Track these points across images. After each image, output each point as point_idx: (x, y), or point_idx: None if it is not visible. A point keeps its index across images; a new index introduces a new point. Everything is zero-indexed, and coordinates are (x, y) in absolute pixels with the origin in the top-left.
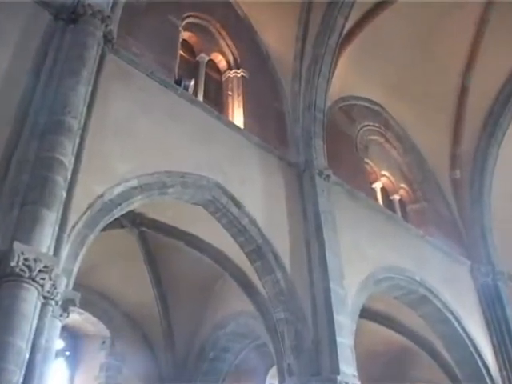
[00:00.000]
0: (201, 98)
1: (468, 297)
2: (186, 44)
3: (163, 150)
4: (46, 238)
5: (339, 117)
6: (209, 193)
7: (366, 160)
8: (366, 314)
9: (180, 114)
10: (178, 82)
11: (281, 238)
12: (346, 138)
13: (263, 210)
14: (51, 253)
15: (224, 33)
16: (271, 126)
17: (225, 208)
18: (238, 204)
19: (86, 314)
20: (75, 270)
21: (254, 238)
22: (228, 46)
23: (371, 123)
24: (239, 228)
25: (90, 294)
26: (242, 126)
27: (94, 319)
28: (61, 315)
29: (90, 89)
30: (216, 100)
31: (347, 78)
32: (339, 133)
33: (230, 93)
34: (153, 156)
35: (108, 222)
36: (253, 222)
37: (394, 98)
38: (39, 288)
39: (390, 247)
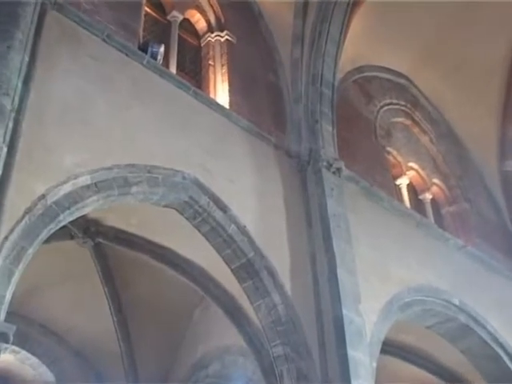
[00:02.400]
0: (173, 69)
1: None
2: None
3: (124, 137)
4: None
5: (353, 93)
6: (185, 192)
7: (388, 149)
8: (390, 348)
9: (146, 91)
10: (144, 49)
11: (278, 251)
12: (361, 120)
13: (255, 215)
14: None
15: None
16: (265, 105)
17: (206, 212)
18: (222, 207)
19: (23, 353)
20: (8, 295)
21: (243, 251)
22: (208, 0)
23: (395, 101)
24: (224, 238)
25: (28, 327)
26: (227, 106)
27: (34, 360)
28: None
29: (26, 58)
30: (193, 72)
31: (363, 41)
32: (353, 114)
33: (211, 62)
34: (111, 145)
35: (53, 231)
36: (242, 229)
37: (424, 69)
38: None
39: (421, 262)
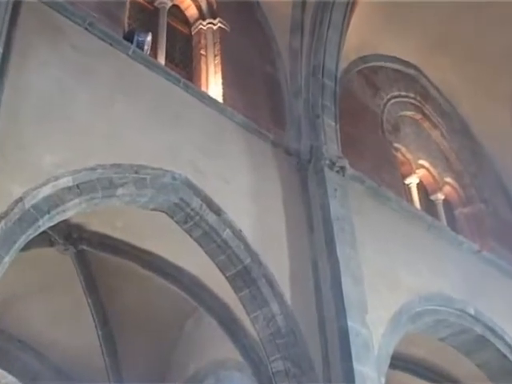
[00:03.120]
0: (162, 60)
1: None
2: None
3: (109, 134)
4: None
5: (358, 85)
6: (175, 194)
7: (395, 145)
8: (400, 362)
9: (132, 84)
10: (130, 38)
11: (277, 257)
12: (367, 114)
13: (252, 218)
14: None
15: None
16: (261, 99)
17: (198, 215)
18: (216, 209)
19: None
20: None
21: (239, 257)
22: None
23: (403, 93)
24: (218, 243)
25: (4, 342)
26: (220, 100)
27: (11, 378)
28: None
29: (0, 49)
30: (183, 63)
31: (369, 29)
32: (358, 107)
33: (202, 52)
34: (94, 143)
35: (31, 237)
36: (237, 234)
37: (435, 58)
38: None
39: (432, 268)
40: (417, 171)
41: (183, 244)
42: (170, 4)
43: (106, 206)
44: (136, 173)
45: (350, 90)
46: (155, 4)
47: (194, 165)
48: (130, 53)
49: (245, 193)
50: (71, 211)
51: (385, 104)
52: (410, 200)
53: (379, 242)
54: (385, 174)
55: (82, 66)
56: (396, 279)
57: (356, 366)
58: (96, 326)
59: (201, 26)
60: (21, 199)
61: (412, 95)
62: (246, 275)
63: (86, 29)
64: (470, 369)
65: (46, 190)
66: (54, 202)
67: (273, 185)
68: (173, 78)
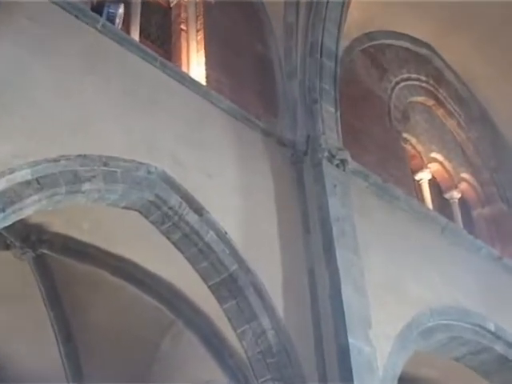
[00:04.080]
0: (136, 35)
1: None
2: None
3: (74, 120)
4: None
5: (362, 66)
6: (150, 190)
7: (405, 136)
8: None
9: (102, 63)
10: (99, 10)
11: (268, 263)
12: (372, 100)
13: (239, 218)
14: None
15: None
16: (251, 81)
17: (177, 215)
18: (198, 208)
19: None
20: None
21: (224, 264)
22: None
23: (414, 75)
24: (200, 247)
25: None
26: (203, 82)
27: None
28: None
29: None
30: (161, 39)
31: (375, 1)
32: (362, 92)
33: (183, 27)
34: (57, 131)
35: None
36: (222, 237)
37: (452, 36)
38: None
39: (446, 276)
40: (429, 166)
41: (160, 248)
42: None
43: (70, 203)
44: (105, 165)
45: (352, 71)
46: None
47: (173, 156)
48: (99, 27)
49: (231, 189)
50: (30, 209)
51: (393, 88)
52: (421, 199)
53: (385, 247)
54: (392, 168)
55: (44, 42)
56: (404, 289)
57: None
58: (58, 342)
59: None
60: None
61: (424, 78)
62: (232, 284)
63: None
64: None
65: (0, 185)
66: (10, 198)
67: (263, 180)
68: (148, 56)
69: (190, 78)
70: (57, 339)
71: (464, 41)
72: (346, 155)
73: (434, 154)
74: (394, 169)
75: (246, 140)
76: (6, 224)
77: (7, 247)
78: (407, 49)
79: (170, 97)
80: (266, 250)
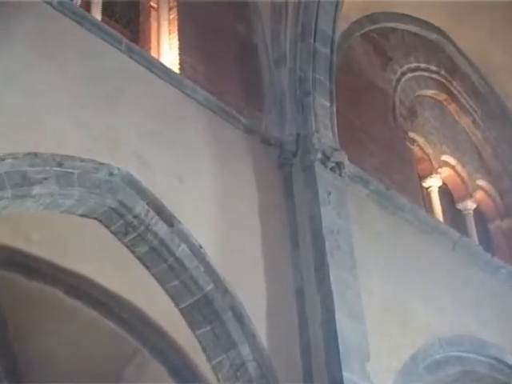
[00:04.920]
0: (97, 13)
1: None
2: None
3: (23, 112)
4: None
5: (363, 53)
6: (112, 196)
7: (411, 135)
8: None
9: (57, 45)
10: None
11: (250, 283)
12: (374, 93)
13: (216, 230)
14: None
15: None
16: (232, 69)
17: (143, 225)
18: (168, 217)
19: None
20: None
21: (197, 283)
22: None
23: (423, 65)
24: (170, 263)
25: None
26: (176, 69)
27: None
28: None
29: None
30: (127, 18)
31: None
32: (362, 83)
33: (153, 5)
34: (3, 125)
35: None
36: (196, 251)
37: (469, 20)
38: None
39: (458, 300)
40: (439, 170)
41: (123, 264)
42: None
43: (17, 209)
44: (59, 166)
45: (351, 59)
46: None
47: (139, 156)
48: (55, 3)
49: (207, 195)
50: None
51: (398, 80)
52: (430, 209)
53: (387, 265)
54: (396, 173)
55: None
56: (409, 315)
57: None
58: (0, 374)
59: None
60: None
61: (435, 68)
62: (207, 307)
63: None
64: None
65: None
66: None
67: (245, 185)
68: (112, 38)
69: (161, 64)
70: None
71: (482, 25)
72: (343, 157)
73: (445, 157)
74: (399, 174)
75: (225, 138)
76: None
77: None
78: (415, 34)
79: (137, 86)
80: (248, 268)
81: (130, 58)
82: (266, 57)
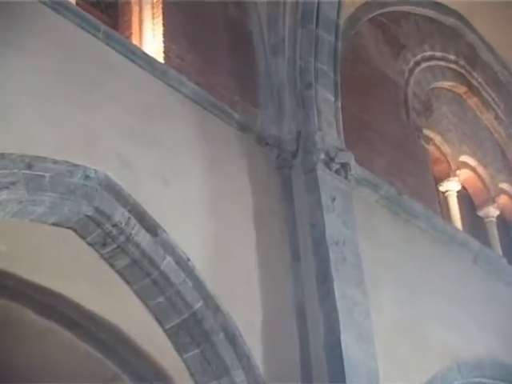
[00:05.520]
0: None
1: None
2: None
3: None
4: None
5: (371, 40)
6: (88, 202)
7: (426, 133)
8: None
9: (26, 33)
10: None
11: (244, 300)
12: (384, 85)
13: (206, 240)
14: None
15: None
16: (223, 59)
17: (123, 235)
18: (151, 226)
19: None
20: None
21: (185, 300)
22: None
23: (439, 53)
24: (154, 278)
25: None
26: (160, 59)
27: None
28: None
29: None
30: (105, 2)
31: None
32: (371, 74)
33: None
34: None
35: None
36: (184, 264)
37: (488, 2)
38: None
39: (479, 319)
40: (458, 173)
41: (101, 279)
42: None
43: None
44: (29, 168)
45: (358, 47)
46: None
47: (119, 156)
48: None
49: (196, 201)
50: None
51: (411, 70)
52: (448, 216)
53: (399, 280)
54: (409, 176)
55: None
56: (425, 336)
57: None
58: None
59: None
60: None
61: (453, 57)
62: (196, 327)
63: None
64: None
65: None
66: None
67: (239, 190)
68: (88, 24)
69: (143, 53)
70: None
71: (505, 9)
72: (349, 158)
73: (464, 158)
74: (412, 177)
75: (216, 136)
76: None
77: None
78: (431, 19)
79: (117, 78)
80: (242, 283)
81: (108, 46)
82: (261, 45)
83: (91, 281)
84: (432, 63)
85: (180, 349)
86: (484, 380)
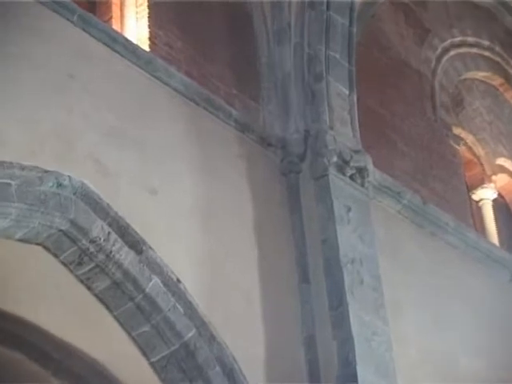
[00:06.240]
0: None
1: None
2: None
3: None
4: None
5: (392, 24)
6: (62, 214)
7: (456, 132)
8: None
9: None
10: None
11: (244, 328)
12: (407, 76)
13: (200, 258)
14: None
15: None
16: (219, 47)
17: (102, 252)
18: (135, 242)
19: None
20: None
21: (174, 328)
22: None
23: (471, 39)
24: (138, 302)
25: None
26: (145, 47)
27: None
28: None
29: None
30: None
31: None
32: (391, 64)
33: None
34: None
35: None
36: (173, 287)
37: None
38: None
39: None
40: (494, 178)
41: (76, 304)
42: None
43: None
44: None
45: (376, 32)
46: None
47: (97, 161)
48: None
49: (187, 212)
50: None
51: (439, 58)
52: (481, 229)
53: (426, 304)
54: (437, 182)
55: None
56: (454, 369)
57: None
58: None
59: None
60: None
61: (487, 43)
62: (188, 360)
63: None
64: None
65: None
66: None
67: (237, 199)
68: (62, 6)
69: (126, 40)
70: None
71: None
72: (367, 162)
73: (501, 161)
74: (440, 183)
75: (210, 137)
76: None
77: None
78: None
79: (94, 69)
80: (242, 308)
81: (85, 31)
82: (264, 30)
83: (65, 306)
84: (463, 50)
85: None
86: None
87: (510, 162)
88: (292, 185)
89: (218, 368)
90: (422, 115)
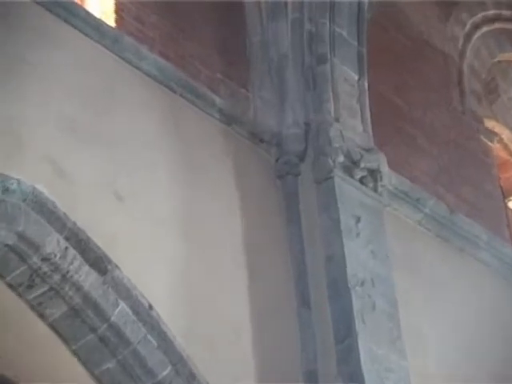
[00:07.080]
0: None
1: None
2: None
3: None
4: None
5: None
6: (8, 225)
7: (489, 125)
8: None
9: None
10: None
11: (232, 364)
12: (430, 58)
13: (176, 280)
14: None
15: None
16: (201, 22)
17: (58, 272)
18: (98, 260)
19: None
20: None
21: (146, 365)
22: None
23: (508, 13)
24: (101, 334)
25: None
26: (111, 22)
27: None
28: None
29: None
30: None
31: None
32: (410, 44)
33: None
34: None
35: None
36: (144, 313)
37: None
38: None
39: None
40: None
41: (26, 335)
42: None
43: None
44: None
45: (391, 6)
46: None
47: (53, 162)
48: None
49: (162, 221)
50: None
51: (468, 36)
52: None
53: (452, 333)
54: (465, 186)
55: None
56: None
57: None
58: None
59: None
60: None
61: None
62: None
63: None
64: None
65: None
66: None
67: (223, 207)
68: None
69: (87, 13)
70: None
71: None
72: (380, 162)
73: None
74: (470, 187)
75: (189, 131)
76: None
77: None
78: None
79: (50, 50)
80: (228, 340)
81: (39, 5)
82: (256, 3)
83: (13, 338)
84: (498, 26)
85: None
86: None
87: None
88: (289, 190)
89: None
90: (448, 105)
